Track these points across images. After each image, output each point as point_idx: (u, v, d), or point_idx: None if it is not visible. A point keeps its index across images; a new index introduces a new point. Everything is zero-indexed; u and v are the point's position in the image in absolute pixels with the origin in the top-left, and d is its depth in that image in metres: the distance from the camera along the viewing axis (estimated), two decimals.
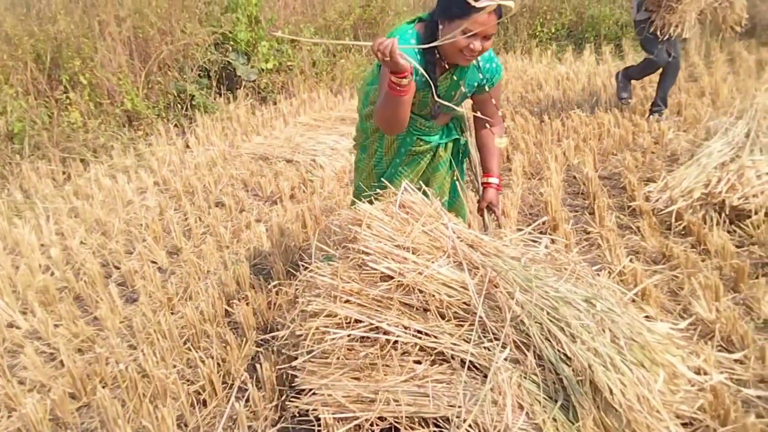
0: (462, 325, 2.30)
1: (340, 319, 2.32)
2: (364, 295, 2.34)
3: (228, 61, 6.90)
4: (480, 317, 2.24)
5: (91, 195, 4.80)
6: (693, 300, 2.89)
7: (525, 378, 2.14)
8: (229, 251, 3.84)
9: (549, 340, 2.16)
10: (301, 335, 2.37)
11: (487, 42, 2.32)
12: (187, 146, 5.95)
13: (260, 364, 2.61)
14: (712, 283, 2.91)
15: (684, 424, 2.16)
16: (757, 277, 3.07)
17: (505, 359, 2.16)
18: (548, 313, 2.20)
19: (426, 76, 2.33)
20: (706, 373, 2.35)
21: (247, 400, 2.51)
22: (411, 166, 2.73)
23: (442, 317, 2.30)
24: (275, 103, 6.87)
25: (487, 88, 2.61)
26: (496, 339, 2.22)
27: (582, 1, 8.54)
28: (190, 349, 2.94)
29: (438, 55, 2.42)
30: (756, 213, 3.46)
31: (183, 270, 3.71)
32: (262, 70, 7.02)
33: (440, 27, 2.34)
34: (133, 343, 3.04)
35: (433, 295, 2.29)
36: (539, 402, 2.10)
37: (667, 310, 2.88)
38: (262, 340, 2.93)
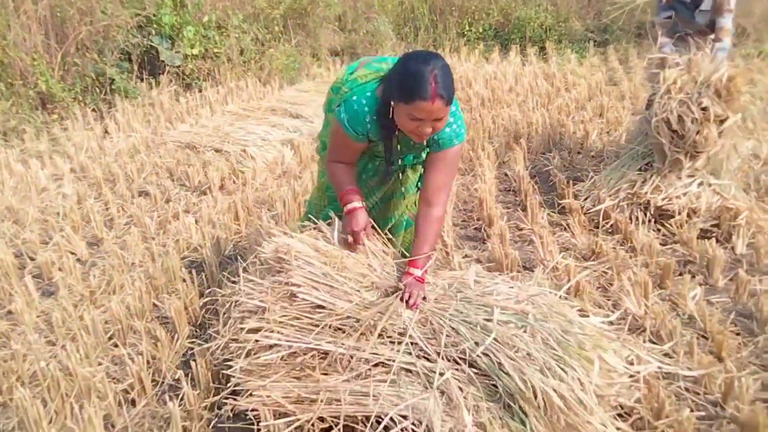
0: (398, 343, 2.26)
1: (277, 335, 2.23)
2: (297, 320, 2.27)
3: (151, 45, 6.61)
4: (412, 335, 2.21)
5: (2, 181, 4.48)
6: (623, 296, 2.98)
7: (468, 384, 2.13)
8: (155, 243, 3.67)
9: (486, 354, 2.16)
10: (237, 349, 2.26)
11: (438, 123, 2.18)
12: (106, 132, 5.66)
13: (194, 361, 2.50)
14: (641, 280, 3.02)
15: (621, 416, 2.22)
16: (681, 274, 3.21)
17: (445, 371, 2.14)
18: (480, 328, 2.21)
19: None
20: (640, 363, 2.43)
21: (181, 399, 2.39)
22: (372, 191, 2.64)
23: (380, 338, 2.26)
24: (201, 91, 6.64)
25: (439, 146, 2.37)
26: (435, 354, 2.20)
27: (509, 2, 8.72)
28: (116, 345, 2.79)
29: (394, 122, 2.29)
30: (679, 213, 3.62)
31: (105, 262, 3.51)
32: (187, 55, 6.76)
33: (392, 103, 2.22)
34: (52, 339, 2.85)
35: (369, 322, 2.24)
36: (484, 402, 2.10)
37: (599, 305, 2.96)
38: (194, 335, 2.81)
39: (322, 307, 2.27)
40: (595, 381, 2.17)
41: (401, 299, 2.29)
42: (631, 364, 2.42)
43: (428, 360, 2.17)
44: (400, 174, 2.64)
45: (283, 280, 2.31)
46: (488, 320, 2.23)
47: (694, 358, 2.53)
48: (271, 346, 2.20)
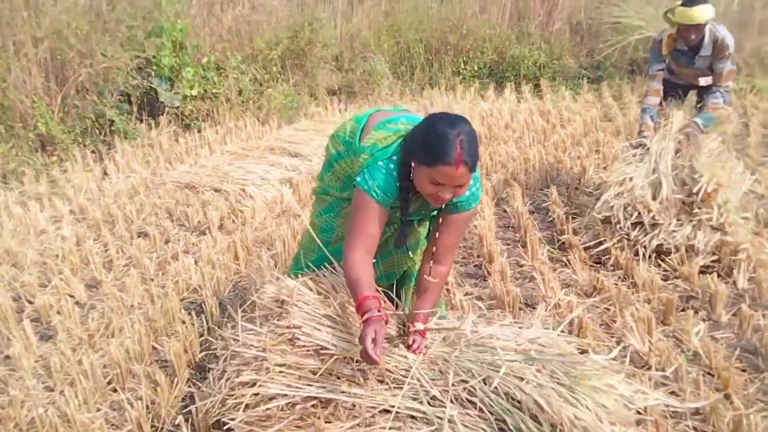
0: (401, 388, 2.22)
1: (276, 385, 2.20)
2: (296, 368, 2.22)
3: (150, 86, 6.66)
4: (418, 379, 2.18)
5: (1, 224, 4.47)
6: (626, 332, 2.97)
7: (476, 427, 2.09)
8: (154, 284, 3.64)
9: (495, 393, 2.12)
10: (234, 404, 2.22)
11: (459, 189, 2.13)
12: (106, 173, 5.67)
13: (194, 406, 2.46)
14: (644, 316, 3.00)
15: None
16: (683, 310, 3.20)
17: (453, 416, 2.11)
18: (487, 365, 2.19)
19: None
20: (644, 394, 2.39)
21: None
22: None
23: (381, 383, 2.23)
24: (200, 131, 6.68)
25: (456, 209, 2.31)
26: (442, 396, 2.17)
27: (503, 42, 8.84)
28: (115, 390, 2.75)
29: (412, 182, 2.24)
30: (677, 251, 3.61)
31: (104, 304, 3.49)
32: (186, 96, 6.82)
33: (412, 164, 2.19)
34: (50, 384, 2.81)
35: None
36: None
37: (602, 343, 2.94)
38: (195, 378, 2.77)
39: (324, 349, 2.24)
40: (610, 407, 2.14)
41: (406, 346, 2.26)
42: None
43: (435, 404, 2.14)
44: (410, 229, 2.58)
45: (283, 324, 2.28)
46: (494, 358, 2.21)
47: (701, 395, 2.51)
48: (270, 398, 2.16)
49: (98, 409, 2.61)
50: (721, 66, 4.01)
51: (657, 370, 2.70)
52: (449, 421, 2.05)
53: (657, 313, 3.17)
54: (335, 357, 2.19)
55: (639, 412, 2.34)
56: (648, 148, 4.06)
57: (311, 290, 2.41)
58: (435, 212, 2.48)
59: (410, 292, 2.68)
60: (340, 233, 2.58)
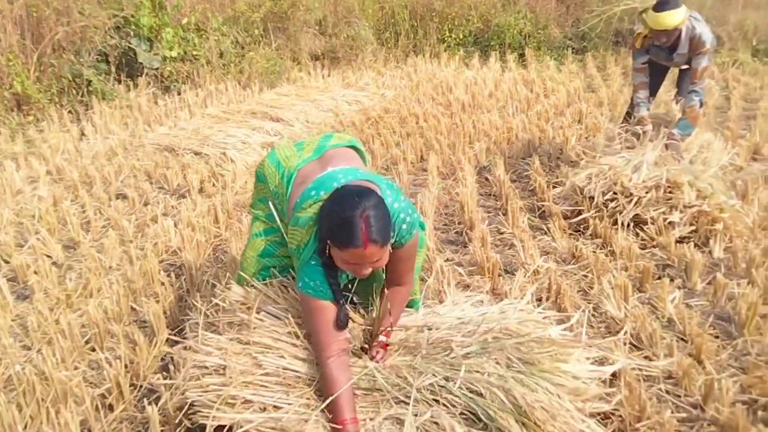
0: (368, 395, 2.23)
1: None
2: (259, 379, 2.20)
3: (129, 47, 6.53)
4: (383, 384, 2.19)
5: None
6: (603, 299, 3.00)
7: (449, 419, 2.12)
8: (133, 246, 3.61)
9: (459, 389, 2.15)
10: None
11: (377, 263, 2.05)
12: (83, 134, 5.58)
13: (173, 365, 2.46)
14: (620, 283, 3.04)
15: (603, 418, 2.23)
16: (659, 278, 3.23)
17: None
18: (448, 365, 2.22)
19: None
20: (611, 363, 2.44)
21: (161, 405, 2.35)
22: None
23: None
24: (180, 94, 6.57)
25: (399, 244, 2.23)
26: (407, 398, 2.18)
27: (489, 9, 8.77)
28: (93, 350, 2.74)
29: None
30: (653, 222, 3.64)
31: (82, 265, 3.45)
32: (166, 58, 6.70)
33: (328, 242, 2.09)
34: (27, 343, 2.79)
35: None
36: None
37: (579, 308, 2.98)
38: (174, 340, 2.76)
39: (286, 370, 2.22)
40: (568, 385, 2.19)
41: (370, 357, 2.29)
42: (602, 364, 2.43)
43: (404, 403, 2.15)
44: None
45: (243, 339, 2.26)
46: (452, 358, 2.24)
47: (674, 360, 2.55)
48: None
49: (76, 368, 2.60)
50: (697, 62, 3.99)
51: (632, 335, 2.74)
52: (414, 414, 2.07)
53: (633, 280, 3.21)
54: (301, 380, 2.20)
55: (615, 375, 2.40)
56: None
57: (276, 299, 2.40)
58: None
59: (377, 296, 2.52)
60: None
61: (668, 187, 3.68)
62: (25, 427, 2.26)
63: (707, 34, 3.97)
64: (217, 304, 2.44)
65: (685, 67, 4.33)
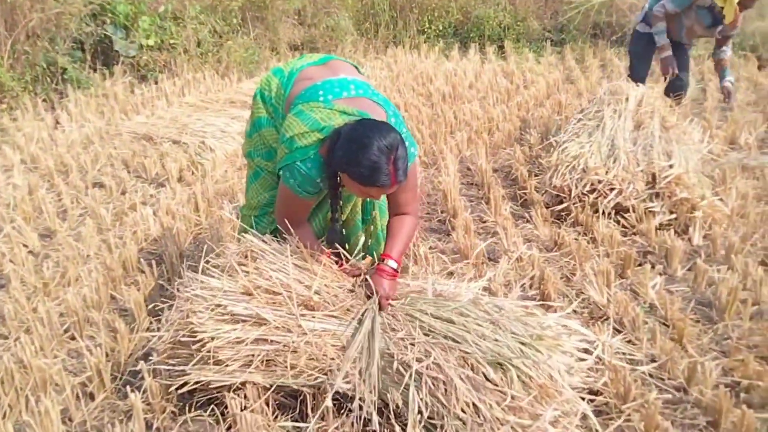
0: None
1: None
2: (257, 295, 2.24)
3: (105, 35, 6.42)
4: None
5: None
6: (586, 284, 3.02)
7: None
8: (112, 234, 3.55)
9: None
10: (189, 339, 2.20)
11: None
12: (58, 123, 5.47)
13: (156, 352, 2.42)
14: (603, 269, 3.06)
15: (589, 401, 2.24)
16: (641, 265, 3.27)
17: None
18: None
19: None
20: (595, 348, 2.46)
21: (144, 392, 2.31)
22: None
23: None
24: (157, 82, 6.47)
25: None
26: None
27: (468, 1, 8.76)
28: (73, 338, 2.69)
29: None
30: (634, 210, 3.67)
31: (59, 254, 3.39)
32: (143, 46, 6.59)
33: (339, 173, 2.16)
34: (5, 332, 2.73)
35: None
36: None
37: (564, 295, 2.99)
38: (156, 328, 2.72)
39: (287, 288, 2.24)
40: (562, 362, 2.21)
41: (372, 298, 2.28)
42: (586, 351, 2.46)
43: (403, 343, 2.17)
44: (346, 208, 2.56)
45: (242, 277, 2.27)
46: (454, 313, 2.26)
47: (657, 344, 2.58)
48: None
49: (55, 356, 2.55)
50: (733, 33, 4.40)
51: (615, 320, 2.76)
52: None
53: (615, 266, 3.23)
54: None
55: (600, 358, 2.42)
56: (602, 120, 4.11)
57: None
58: None
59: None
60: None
61: (650, 181, 3.71)
62: (5, 416, 2.21)
63: None
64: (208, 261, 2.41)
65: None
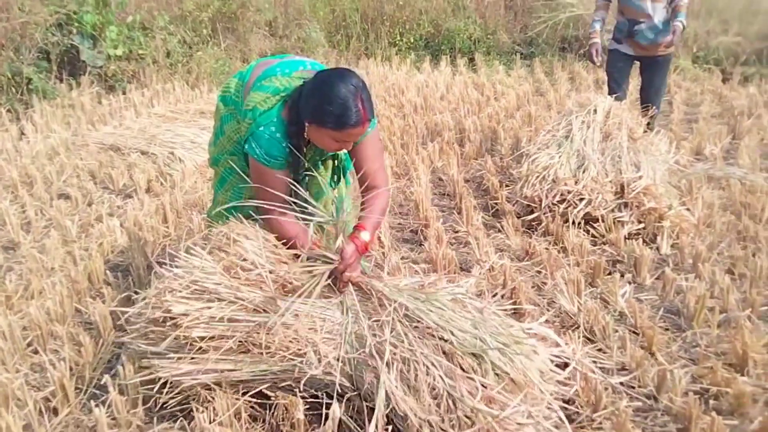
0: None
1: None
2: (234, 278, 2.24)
3: (71, 44, 6.32)
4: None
5: None
6: (557, 293, 3.04)
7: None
8: (77, 246, 3.47)
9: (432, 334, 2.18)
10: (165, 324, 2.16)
11: (361, 137, 2.26)
12: (23, 134, 5.36)
13: (122, 365, 2.36)
14: (573, 278, 3.08)
15: (564, 409, 2.24)
16: (610, 273, 3.29)
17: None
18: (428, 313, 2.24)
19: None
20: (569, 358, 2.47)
21: (109, 406, 2.25)
22: None
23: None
24: (125, 93, 6.39)
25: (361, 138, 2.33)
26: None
27: (439, 14, 8.84)
28: (36, 352, 2.61)
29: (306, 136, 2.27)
30: (603, 220, 3.71)
31: (23, 266, 3.31)
32: (110, 56, 6.50)
33: (307, 125, 2.19)
34: None
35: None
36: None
37: (535, 304, 3.00)
38: (122, 342, 2.66)
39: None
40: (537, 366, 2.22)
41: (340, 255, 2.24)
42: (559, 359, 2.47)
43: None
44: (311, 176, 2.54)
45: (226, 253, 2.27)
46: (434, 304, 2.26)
47: (627, 352, 2.59)
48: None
49: (17, 371, 2.47)
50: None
51: (585, 329, 2.78)
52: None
53: (586, 275, 3.25)
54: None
55: (572, 367, 2.42)
56: (571, 131, 4.15)
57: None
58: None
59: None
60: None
61: (618, 191, 3.76)
62: None
63: None
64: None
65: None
